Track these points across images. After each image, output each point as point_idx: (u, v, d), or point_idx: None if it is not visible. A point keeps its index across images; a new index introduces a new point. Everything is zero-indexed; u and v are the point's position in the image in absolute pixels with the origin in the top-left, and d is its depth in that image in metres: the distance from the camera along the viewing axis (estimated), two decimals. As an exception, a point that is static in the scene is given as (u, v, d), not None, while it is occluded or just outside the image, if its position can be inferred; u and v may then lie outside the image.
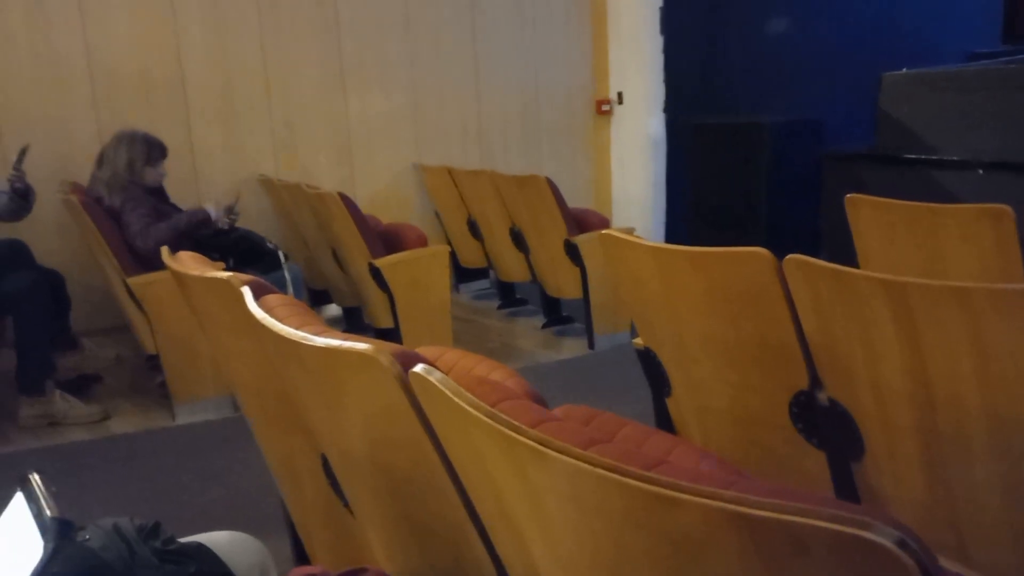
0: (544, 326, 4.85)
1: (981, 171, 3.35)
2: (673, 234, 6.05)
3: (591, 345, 4.38)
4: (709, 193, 5.67)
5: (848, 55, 5.42)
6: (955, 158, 3.47)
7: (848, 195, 2.48)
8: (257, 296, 1.47)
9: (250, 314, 1.41)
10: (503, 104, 6.22)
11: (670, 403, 2.23)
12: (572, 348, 4.49)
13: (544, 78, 6.33)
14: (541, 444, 0.77)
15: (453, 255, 4.95)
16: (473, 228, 5.32)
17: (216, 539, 1.32)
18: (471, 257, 5.53)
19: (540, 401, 1.09)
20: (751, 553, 0.62)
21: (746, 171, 5.18)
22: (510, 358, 4.30)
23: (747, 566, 0.63)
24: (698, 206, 5.80)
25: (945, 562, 1.65)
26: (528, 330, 4.90)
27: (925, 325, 1.53)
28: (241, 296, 1.48)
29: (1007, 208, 2.18)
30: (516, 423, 0.81)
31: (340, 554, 1.80)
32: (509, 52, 6.19)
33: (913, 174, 3.61)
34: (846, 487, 1.77)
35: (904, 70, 3.80)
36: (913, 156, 3.62)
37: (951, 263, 2.38)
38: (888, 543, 0.52)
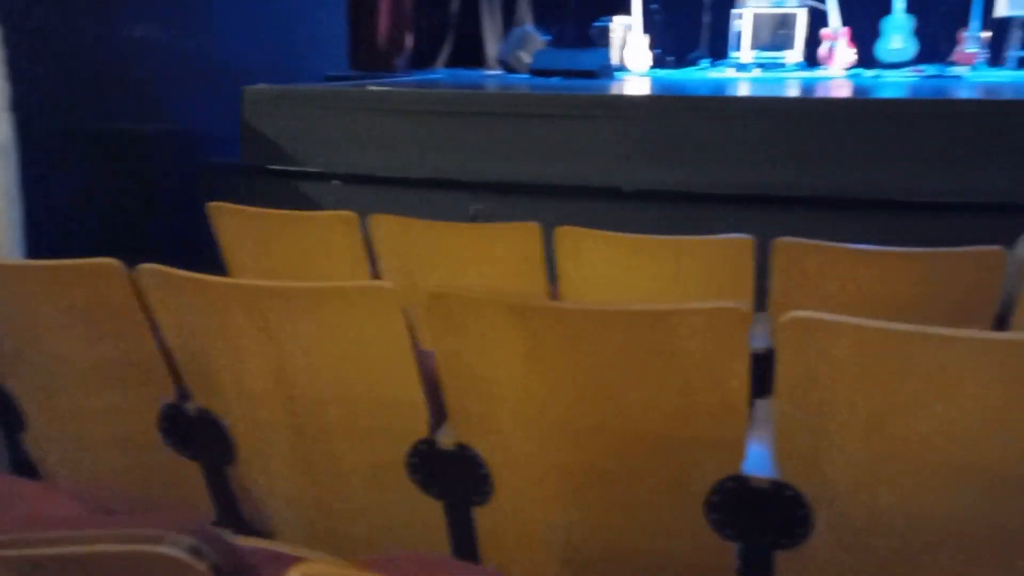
0: None
1: (336, 182, 3.71)
2: (37, 253, 5.39)
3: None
4: (81, 206, 5.20)
5: (223, 67, 5.48)
6: (314, 169, 3.77)
7: (211, 204, 2.49)
8: None
9: None
10: None
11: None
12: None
13: None
14: None
15: None
16: None
17: None
18: None
19: None
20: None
21: (121, 182, 4.89)
22: None
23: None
24: (67, 221, 5.27)
25: (318, 545, 1.76)
26: None
27: (280, 326, 1.60)
28: None
29: (353, 214, 2.43)
30: None
31: None
32: None
33: (279, 185, 3.83)
34: (221, 494, 1.77)
35: (262, 85, 3.99)
36: (278, 167, 3.83)
37: (315, 265, 2.56)
38: (180, 553, 0.50)
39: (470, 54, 7.82)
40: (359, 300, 1.53)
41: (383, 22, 6.75)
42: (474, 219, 3.64)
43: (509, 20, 8.04)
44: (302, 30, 5.95)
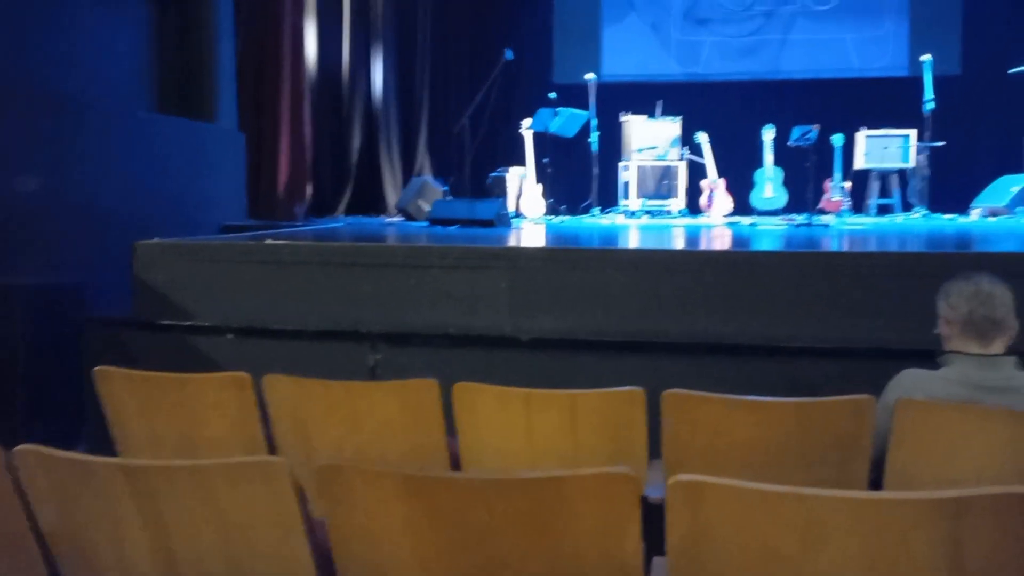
0: None
1: (231, 336, 3.66)
2: None
3: None
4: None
5: (113, 220, 5.41)
6: (208, 323, 3.71)
7: (96, 369, 2.42)
8: None
9: None
10: None
11: None
12: None
13: None
14: None
15: None
16: None
17: None
18: None
19: None
20: None
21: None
22: None
23: None
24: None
25: None
26: None
27: (166, 506, 1.55)
28: None
29: (246, 375, 2.40)
30: None
31: None
32: None
33: (171, 340, 3.74)
34: None
35: (156, 239, 3.96)
36: (170, 322, 3.76)
37: (207, 430, 2.48)
38: None
39: (370, 201, 8.00)
40: (248, 476, 1.51)
41: (283, 171, 6.87)
42: (373, 370, 3.64)
43: (408, 169, 8.32)
44: (199, 179, 5.95)
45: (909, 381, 2.28)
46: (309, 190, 7.17)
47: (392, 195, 8.05)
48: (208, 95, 6.07)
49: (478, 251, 3.84)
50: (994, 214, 6.30)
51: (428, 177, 7.56)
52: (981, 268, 2.38)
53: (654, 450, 2.36)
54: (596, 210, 7.03)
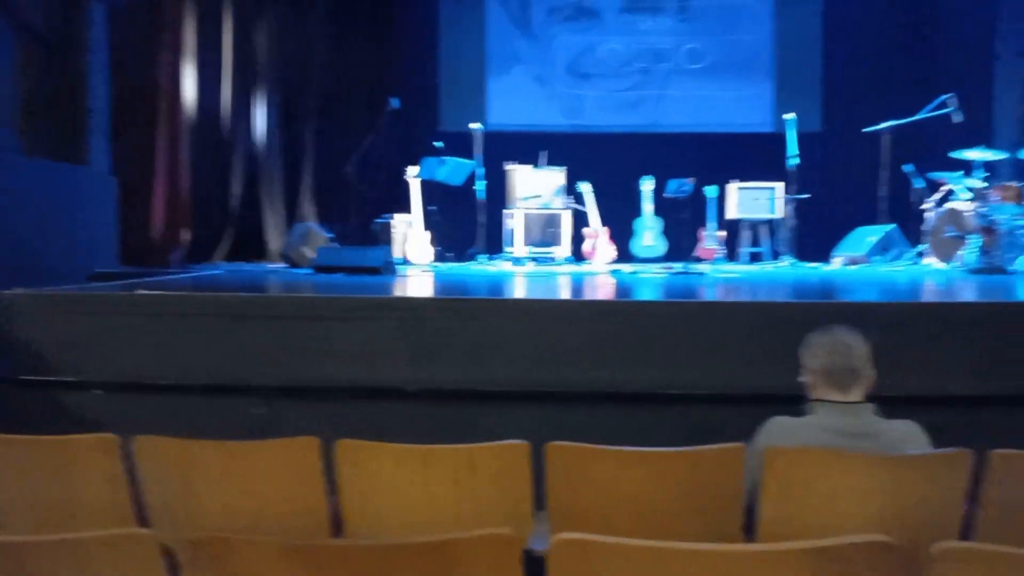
0: None
1: (98, 391, 3.48)
2: None
3: None
4: None
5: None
6: (74, 379, 3.52)
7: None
8: None
9: None
10: None
11: None
12: None
13: None
14: None
15: None
16: None
17: None
18: None
19: None
20: None
21: None
22: None
23: None
24: None
25: None
26: None
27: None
28: None
29: (112, 437, 2.28)
30: None
31: None
32: None
33: (37, 397, 3.53)
34: None
35: (20, 289, 3.74)
36: (32, 378, 3.54)
37: (79, 494, 2.33)
38: None
39: (252, 247, 7.80)
40: (114, 550, 1.43)
41: (158, 215, 6.63)
42: (254, 424, 3.52)
43: (292, 215, 8.18)
44: (67, 224, 5.66)
45: (777, 428, 2.39)
46: (186, 235, 6.93)
47: (275, 241, 7.89)
48: (79, 137, 5.82)
49: (362, 302, 3.81)
50: (854, 262, 6.72)
51: (312, 224, 7.47)
52: (844, 317, 2.54)
53: (540, 503, 2.38)
54: (483, 257, 7.09)
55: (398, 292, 4.89)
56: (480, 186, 7.17)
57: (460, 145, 7.38)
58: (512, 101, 8.99)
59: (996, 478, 2.16)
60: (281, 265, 6.99)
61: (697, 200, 7.18)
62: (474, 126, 7.31)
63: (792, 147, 7.03)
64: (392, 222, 7.03)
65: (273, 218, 8.05)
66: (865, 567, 1.43)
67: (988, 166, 6.46)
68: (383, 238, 6.93)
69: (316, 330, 3.65)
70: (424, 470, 2.35)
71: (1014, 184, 6.18)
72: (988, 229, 5.95)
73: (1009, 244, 5.95)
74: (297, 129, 8.34)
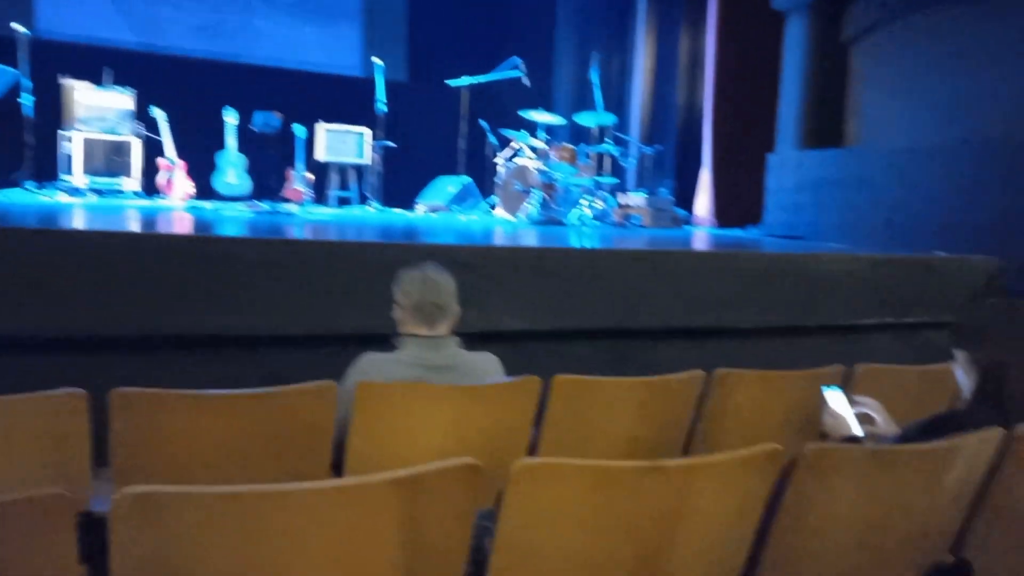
0: None
1: None
2: None
3: None
4: None
5: None
6: None
7: None
8: None
9: None
10: None
11: None
12: None
13: None
14: None
15: None
16: None
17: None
18: None
19: None
20: None
21: None
22: None
23: None
24: None
25: None
26: None
27: None
28: None
29: None
30: None
31: None
32: None
33: None
34: None
35: None
36: None
37: None
38: None
39: None
40: None
41: None
42: None
43: None
44: None
45: (367, 364, 2.37)
46: None
47: None
48: None
49: None
50: (435, 210, 7.05)
51: None
52: (431, 258, 2.59)
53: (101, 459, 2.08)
54: (31, 184, 6.08)
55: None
56: (27, 100, 6.10)
57: None
58: (69, 7, 7.80)
59: (559, 399, 2.38)
60: None
61: (285, 139, 6.93)
62: (18, 27, 6.16)
63: (380, 93, 7.10)
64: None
65: None
66: (453, 491, 1.45)
67: (549, 129, 7.19)
68: None
69: None
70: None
71: (569, 145, 6.96)
72: (549, 185, 6.64)
73: (565, 199, 6.71)
74: None
